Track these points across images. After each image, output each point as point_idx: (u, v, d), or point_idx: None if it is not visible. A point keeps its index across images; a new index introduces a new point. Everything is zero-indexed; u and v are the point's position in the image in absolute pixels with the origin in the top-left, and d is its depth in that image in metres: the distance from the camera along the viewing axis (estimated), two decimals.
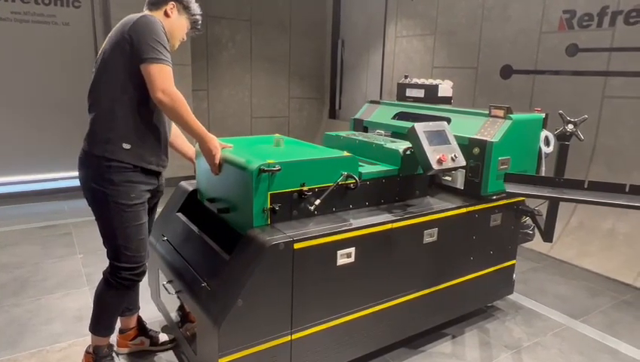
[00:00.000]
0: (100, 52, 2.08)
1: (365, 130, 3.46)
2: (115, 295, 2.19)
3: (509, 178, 2.42)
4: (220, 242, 2.25)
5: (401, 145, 2.55)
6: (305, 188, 2.13)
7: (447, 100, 3.40)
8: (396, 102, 3.50)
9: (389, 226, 2.26)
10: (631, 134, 4.05)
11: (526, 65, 4.85)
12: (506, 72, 5.07)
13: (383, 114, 3.41)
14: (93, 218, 2.13)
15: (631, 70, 4.01)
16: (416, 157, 2.43)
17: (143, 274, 2.19)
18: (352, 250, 2.15)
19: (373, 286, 2.30)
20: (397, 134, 3.08)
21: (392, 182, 2.49)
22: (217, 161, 2.17)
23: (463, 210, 2.57)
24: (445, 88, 3.39)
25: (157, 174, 2.18)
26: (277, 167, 2.00)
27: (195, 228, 2.45)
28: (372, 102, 3.64)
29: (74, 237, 4.25)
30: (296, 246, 1.96)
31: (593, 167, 4.28)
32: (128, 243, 2.08)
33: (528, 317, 3.16)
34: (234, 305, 1.85)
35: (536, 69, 4.76)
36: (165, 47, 1.95)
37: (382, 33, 6.79)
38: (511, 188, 2.35)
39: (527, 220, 3.09)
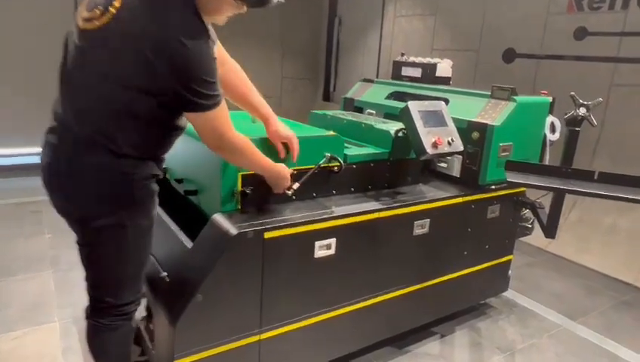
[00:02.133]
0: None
1: (359, 111, 3.20)
2: (122, 334, 1.67)
3: (511, 166, 2.18)
4: (189, 228, 2.00)
5: (393, 126, 2.30)
6: None
7: (445, 81, 3.14)
8: (391, 81, 3.24)
9: (375, 215, 2.02)
10: (639, 124, 3.81)
11: (530, 49, 4.58)
12: (509, 55, 4.80)
13: (376, 93, 3.15)
14: None
15: None
16: (409, 139, 2.19)
17: (143, 296, 1.75)
18: (333, 240, 1.91)
19: (355, 281, 2.07)
20: (390, 115, 2.83)
21: (381, 166, 2.24)
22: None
23: (459, 199, 2.34)
24: (444, 67, 3.13)
25: None
26: None
27: (160, 210, 2.20)
28: (365, 80, 3.38)
29: (43, 216, 3.99)
30: (267, 235, 1.72)
31: (597, 158, 4.05)
32: (138, 272, 1.63)
33: (523, 317, 2.95)
34: (192, 300, 1.62)
35: (541, 53, 4.49)
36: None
37: (380, 12, 6.48)
38: (512, 177, 2.11)
39: (527, 213, 2.86)
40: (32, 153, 5.48)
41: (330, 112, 2.75)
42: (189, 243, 1.84)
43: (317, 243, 1.87)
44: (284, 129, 1.85)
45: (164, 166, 1.68)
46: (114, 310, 1.61)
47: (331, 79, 7.66)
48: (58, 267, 3.17)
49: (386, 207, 2.06)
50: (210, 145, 1.52)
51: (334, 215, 1.90)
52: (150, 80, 1.33)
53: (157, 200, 1.61)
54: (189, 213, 2.11)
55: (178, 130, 1.56)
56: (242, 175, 1.81)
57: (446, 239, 2.38)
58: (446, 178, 2.57)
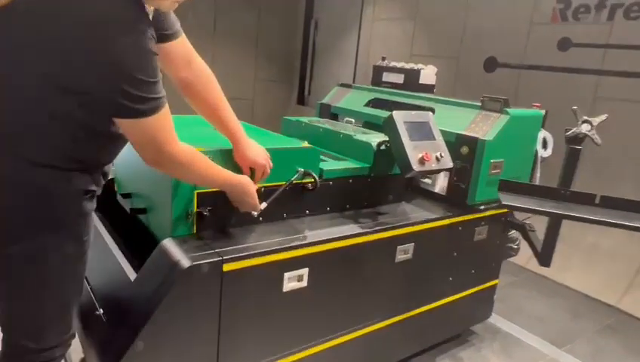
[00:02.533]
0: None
1: (335, 118, 2.94)
2: None
3: (505, 186, 1.96)
4: (137, 253, 1.70)
5: (375, 138, 2.05)
6: None
7: (429, 88, 2.92)
8: (370, 87, 3.00)
9: (354, 241, 1.76)
10: (623, 141, 3.69)
11: (512, 59, 4.44)
12: (490, 64, 4.65)
13: (354, 99, 2.90)
14: None
15: (627, 70, 3.64)
16: (392, 153, 1.94)
17: (73, 337, 1.41)
18: (305, 271, 1.64)
19: (329, 316, 1.81)
20: (370, 124, 2.59)
21: (361, 183, 1.99)
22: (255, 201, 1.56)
23: (446, 221, 2.10)
24: (428, 74, 2.91)
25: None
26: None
27: (104, 231, 1.88)
28: (343, 85, 3.13)
29: None
30: (227, 267, 1.44)
31: (581, 173, 3.91)
32: (65, 309, 1.32)
33: (506, 344, 2.75)
34: (131, 347, 1.32)
35: (523, 63, 4.35)
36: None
37: (358, 15, 6.27)
38: (507, 199, 1.89)
39: (513, 233, 2.66)
40: None
41: (304, 119, 2.49)
42: (132, 274, 1.54)
43: (286, 275, 1.60)
44: (254, 154, 1.56)
45: (109, 178, 1.39)
46: (34, 356, 1.30)
47: (306, 82, 7.40)
48: None
49: (366, 231, 1.81)
50: (147, 159, 1.23)
51: (307, 241, 1.63)
52: (68, 75, 1.04)
53: (92, 221, 1.31)
54: (138, 235, 1.80)
55: (118, 138, 1.26)
56: (198, 193, 1.52)
57: (431, 265, 2.14)
58: (430, 195, 2.35)
